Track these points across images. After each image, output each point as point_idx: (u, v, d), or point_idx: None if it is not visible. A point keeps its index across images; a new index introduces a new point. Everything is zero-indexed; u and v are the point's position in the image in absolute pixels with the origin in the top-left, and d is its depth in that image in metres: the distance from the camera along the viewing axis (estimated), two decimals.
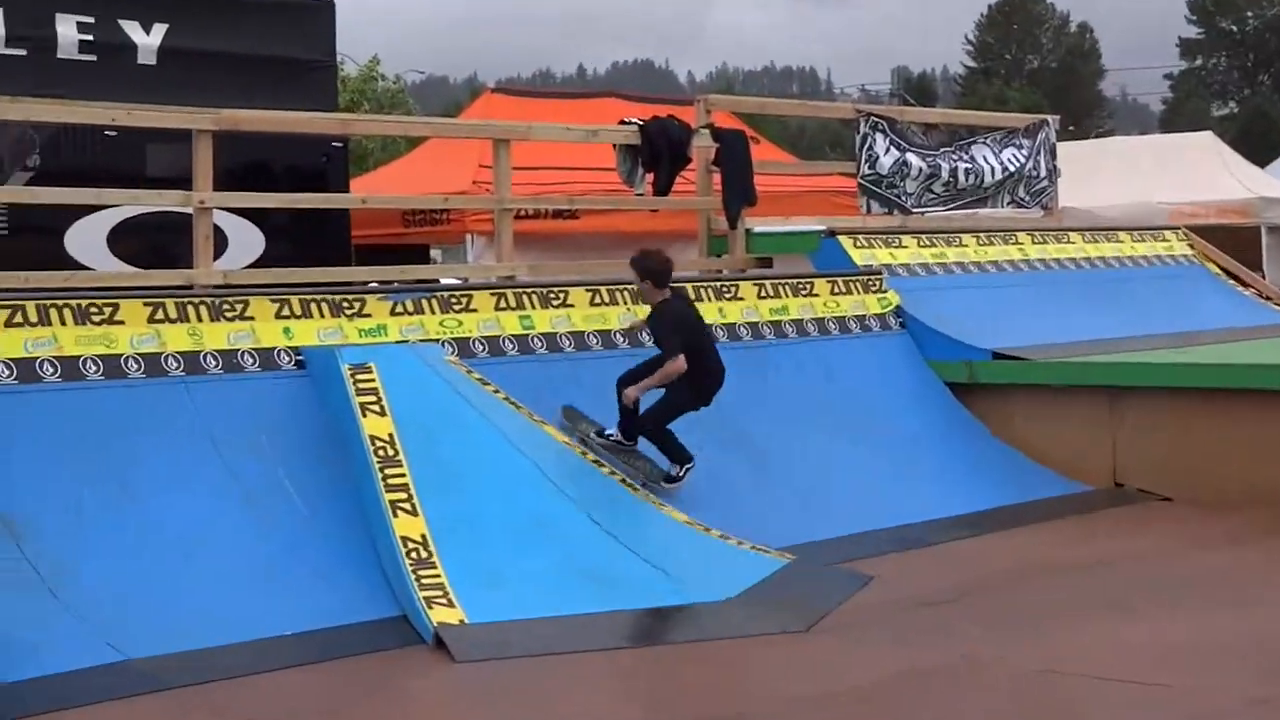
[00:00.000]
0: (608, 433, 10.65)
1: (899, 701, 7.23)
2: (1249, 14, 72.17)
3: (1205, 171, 22.99)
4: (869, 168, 15.20)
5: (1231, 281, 17.21)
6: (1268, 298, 17.44)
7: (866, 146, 15.17)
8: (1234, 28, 73.64)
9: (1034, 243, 15.81)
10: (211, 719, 7.11)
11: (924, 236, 14.96)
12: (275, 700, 7.25)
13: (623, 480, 9.91)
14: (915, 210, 15.48)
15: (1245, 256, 18.81)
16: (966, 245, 15.18)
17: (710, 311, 12.46)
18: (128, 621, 8.07)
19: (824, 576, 9.52)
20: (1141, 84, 78.24)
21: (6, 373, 9.11)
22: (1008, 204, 16.55)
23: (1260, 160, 27.79)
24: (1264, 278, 19.13)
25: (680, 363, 10.23)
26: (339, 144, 15.23)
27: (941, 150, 15.81)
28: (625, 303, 12.06)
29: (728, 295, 12.81)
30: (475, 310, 11.28)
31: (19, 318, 9.36)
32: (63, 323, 9.50)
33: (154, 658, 7.78)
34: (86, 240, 13.06)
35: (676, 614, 8.45)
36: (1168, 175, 22.39)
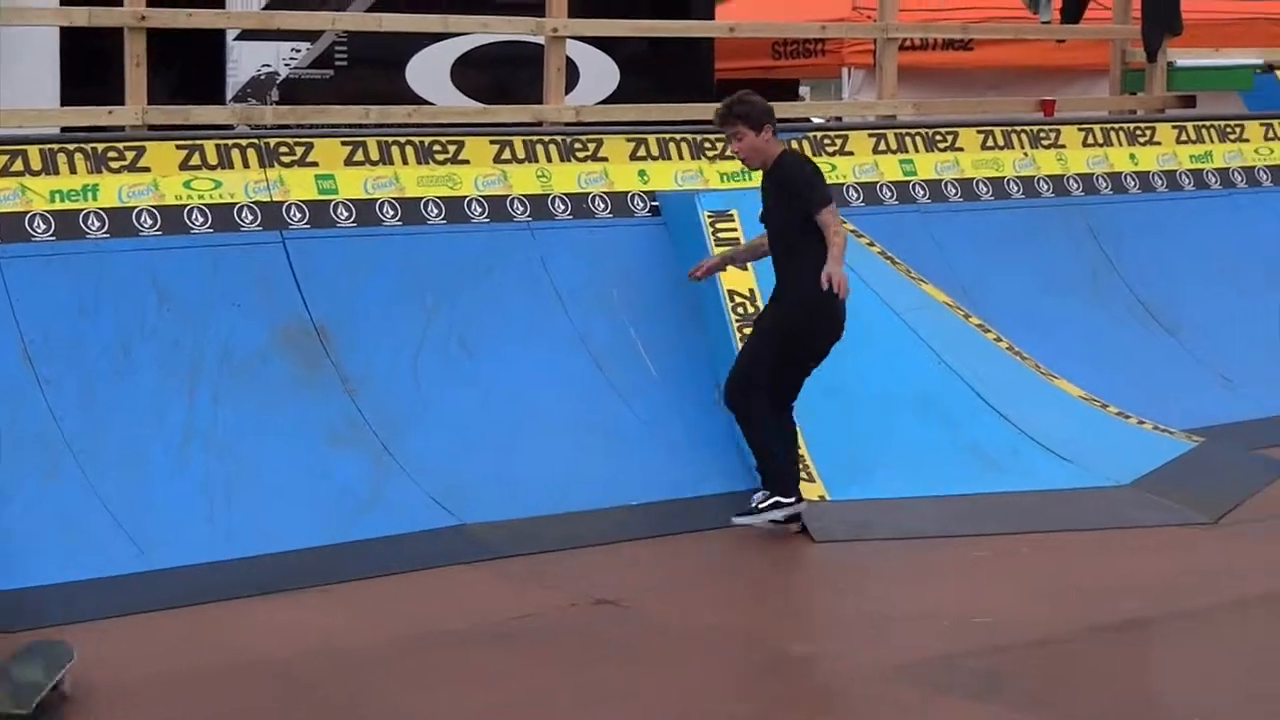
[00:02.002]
0: (757, 507, 8.16)
1: None
2: None
3: None
4: None
5: None
6: None
7: None
8: None
9: None
10: (551, 591, 7.32)
11: None
12: (612, 575, 7.43)
13: (1010, 347, 9.74)
14: None
15: None
16: None
17: (1121, 158, 12.18)
18: (465, 483, 8.38)
19: (1237, 463, 9.30)
20: None
21: (346, 214, 9.43)
22: None
23: None
24: None
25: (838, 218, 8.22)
26: None
27: None
28: (1023, 146, 11.84)
29: (1142, 139, 12.47)
30: (851, 153, 11.23)
31: (360, 155, 9.66)
32: (404, 161, 9.76)
33: (487, 524, 8.10)
34: (429, 73, 13.37)
35: (1067, 499, 8.34)
36: None
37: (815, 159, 10.92)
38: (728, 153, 10.65)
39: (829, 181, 10.69)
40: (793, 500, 8.02)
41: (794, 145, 10.93)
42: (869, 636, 6.76)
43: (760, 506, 8.04)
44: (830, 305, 8.04)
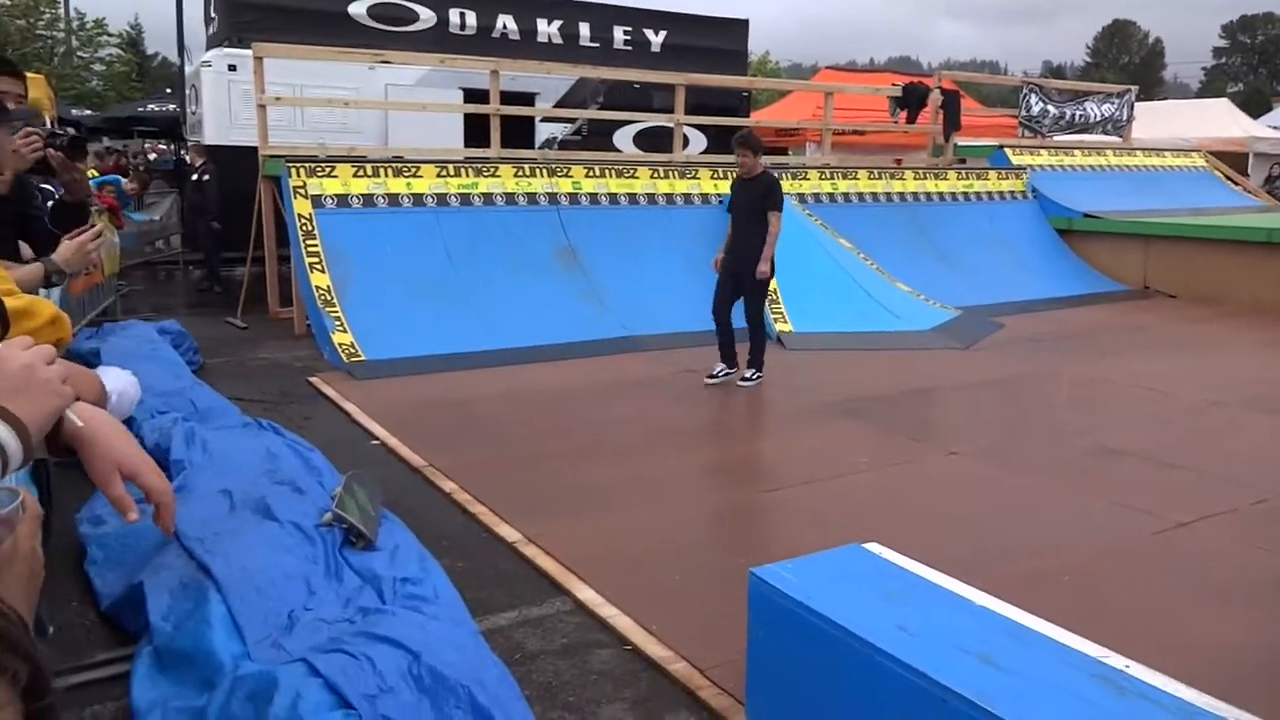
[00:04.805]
0: (749, 376, 6.78)
1: (1016, 385, 6.97)
2: (1258, 33, 63.37)
3: (1221, 121, 20.44)
4: (1025, 113, 13.88)
5: (1228, 182, 15.25)
6: (1248, 191, 15.47)
7: (1025, 101, 13.87)
8: (1246, 40, 64.43)
9: (1114, 155, 14.27)
10: (666, 365, 7.34)
11: (1052, 150, 13.71)
12: (704, 357, 7.42)
13: (878, 268, 9.54)
14: (1048, 135, 14.14)
15: (1238, 169, 16.57)
16: (1075, 155, 13.82)
17: (931, 186, 11.82)
18: (634, 317, 8.39)
19: (977, 322, 9.09)
20: (1187, 73, 69.04)
21: (588, 201, 9.39)
22: (1100, 132, 14.94)
23: (1254, 115, 24.41)
24: (1249, 180, 16.76)
25: (780, 222, 6.58)
26: (746, 94, 14.90)
27: (1067, 103, 14.35)
28: (886, 179, 11.50)
29: (942, 178, 12.03)
30: (809, 179, 10.95)
31: (594, 172, 9.60)
32: (612, 176, 9.68)
33: (643, 335, 8.11)
34: (623, 139, 13.24)
35: (901, 335, 8.25)
36: (1199, 123, 19.88)
37: (794, 181, 10.75)
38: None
39: (799, 192, 10.59)
40: (761, 374, 6.77)
41: (781, 175, 10.75)
42: (807, 392, 6.74)
43: (753, 377, 6.71)
44: (770, 265, 6.51)
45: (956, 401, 6.64)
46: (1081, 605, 3.32)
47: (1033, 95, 14.06)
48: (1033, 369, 7.44)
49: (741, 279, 6.62)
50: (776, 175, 6.90)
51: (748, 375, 6.78)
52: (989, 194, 12.27)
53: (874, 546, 2.70)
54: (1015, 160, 13.04)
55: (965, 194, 12.09)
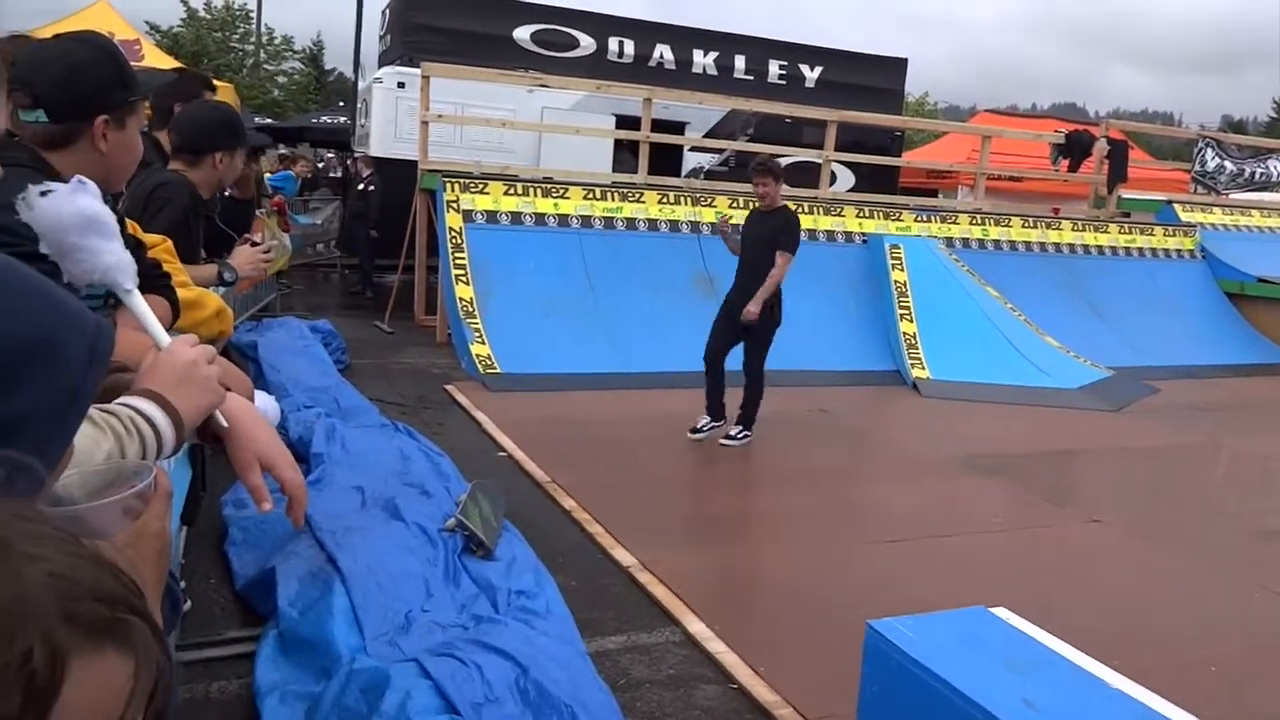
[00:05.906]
0: (734, 434, 5.93)
1: (1170, 455, 6.56)
2: None
3: None
4: (1199, 167, 13.16)
5: None
6: None
7: (1200, 155, 13.14)
8: None
9: None
10: (797, 402, 7.17)
11: (1226, 209, 12.89)
12: (837, 397, 7.30)
13: (1026, 320, 9.14)
14: (1224, 192, 13.30)
15: None
16: (1252, 215, 12.98)
17: (1090, 238, 11.29)
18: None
19: (1130, 384, 8.58)
20: None
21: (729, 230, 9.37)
22: None
23: None
24: None
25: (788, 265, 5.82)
26: (899, 134, 14.65)
27: (1247, 160, 13.50)
28: (1042, 228, 11.05)
29: (1102, 231, 11.46)
30: (958, 223, 10.63)
31: (739, 203, 9.54)
32: (746, 208, 9.61)
33: (776, 370, 7.90)
34: None
35: (1046, 391, 7.88)
36: None
37: (942, 225, 10.45)
38: (900, 218, 10.29)
39: (946, 236, 10.29)
40: (750, 434, 5.95)
41: (931, 218, 10.47)
42: (941, 442, 6.51)
43: (739, 436, 5.91)
44: (777, 308, 5.95)
45: (1102, 467, 6.28)
46: (1229, 702, 3.07)
47: (1209, 149, 13.31)
48: (1189, 439, 6.98)
49: (746, 323, 5.86)
50: (797, 210, 6.19)
51: (733, 434, 5.88)
52: (1153, 250, 11.63)
53: (1001, 611, 2.57)
54: (1184, 217, 12.34)
55: (1127, 249, 11.49)
